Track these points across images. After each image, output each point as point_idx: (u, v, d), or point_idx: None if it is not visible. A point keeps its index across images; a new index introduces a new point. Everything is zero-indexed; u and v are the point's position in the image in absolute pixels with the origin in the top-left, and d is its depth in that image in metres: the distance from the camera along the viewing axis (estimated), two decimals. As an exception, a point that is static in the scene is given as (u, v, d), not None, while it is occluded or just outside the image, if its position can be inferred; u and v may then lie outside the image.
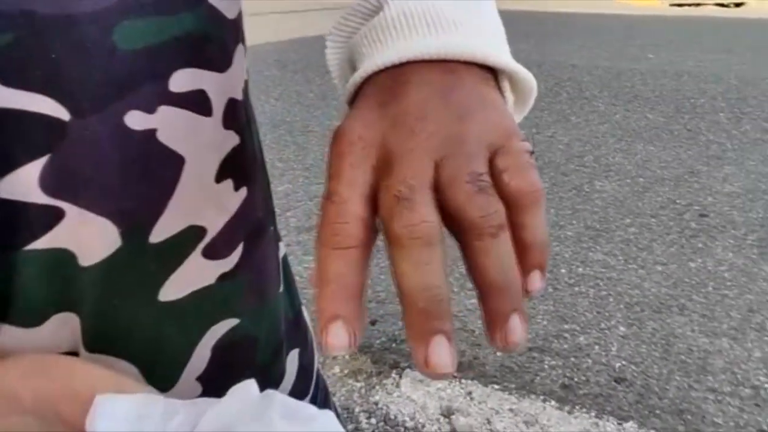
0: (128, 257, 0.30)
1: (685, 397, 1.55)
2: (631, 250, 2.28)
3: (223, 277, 0.34)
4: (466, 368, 1.64)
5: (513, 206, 0.23)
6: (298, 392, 0.42)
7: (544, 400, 1.54)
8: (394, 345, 1.74)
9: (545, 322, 1.85)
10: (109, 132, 0.28)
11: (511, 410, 1.51)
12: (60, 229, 0.28)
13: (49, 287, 0.29)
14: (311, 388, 0.45)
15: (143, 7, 0.28)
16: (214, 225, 0.33)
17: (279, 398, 0.25)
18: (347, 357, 1.68)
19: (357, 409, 1.53)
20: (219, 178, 0.33)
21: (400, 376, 1.62)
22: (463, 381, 1.60)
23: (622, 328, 1.83)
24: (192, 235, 0.32)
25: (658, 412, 1.51)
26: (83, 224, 0.28)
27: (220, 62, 0.32)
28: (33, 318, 0.29)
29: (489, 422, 1.48)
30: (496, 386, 1.59)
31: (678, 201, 2.70)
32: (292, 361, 0.42)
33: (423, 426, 1.47)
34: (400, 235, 0.22)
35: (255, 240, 0.37)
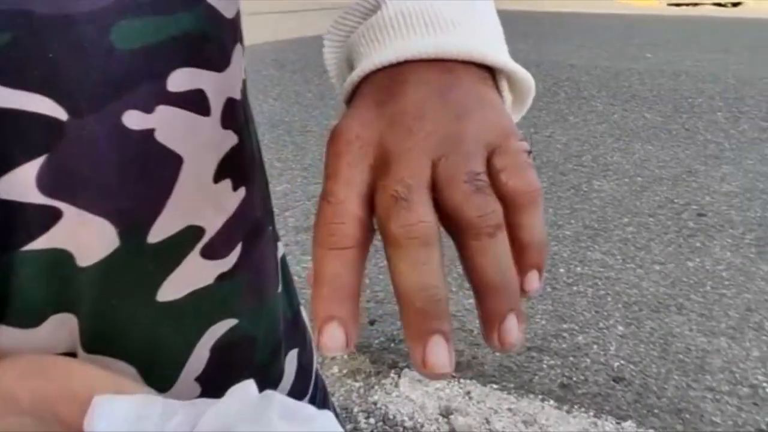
0: (126, 257, 0.30)
1: (684, 397, 1.55)
2: (630, 250, 2.28)
3: (222, 277, 0.34)
4: (465, 368, 1.64)
5: (510, 206, 0.23)
6: (296, 392, 0.42)
7: (542, 400, 1.54)
8: (392, 345, 1.74)
9: (544, 322, 1.85)
10: (107, 132, 0.28)
11: (509, 410, 1.51)
12: (58, 230, 0.28)
13: (47, 288, 0.29)
14: (310, 388, 0.45)
15: (140, 6, 0.28)
16: (212, 225, 0.33)
17: (278, 398, 0.25)
18: (346, 357, 1.68)
19: (356, 409, 1.53)
20: (217, 178, 0.33)
21: (399, 376, 1.62)
22: (461, 381, 1.60)
23: (620, 328, 1.83)
24: (190, 235, 0.32)
25: (656, 411, 1.51)
26: (81, 224, 0.28)
27: (218, 62, 0.32)
28: (31, 319, 0.29)
29: (488, 422, 1.48)
30: (495, 386, 1.59)
31: (676, 200, 2.70)
32: (291, 361, 0.42)
33: (422, 426, 1.47)
34: (398, 234, 0.22)
35: (253, 240, 0.37)
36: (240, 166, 0.35)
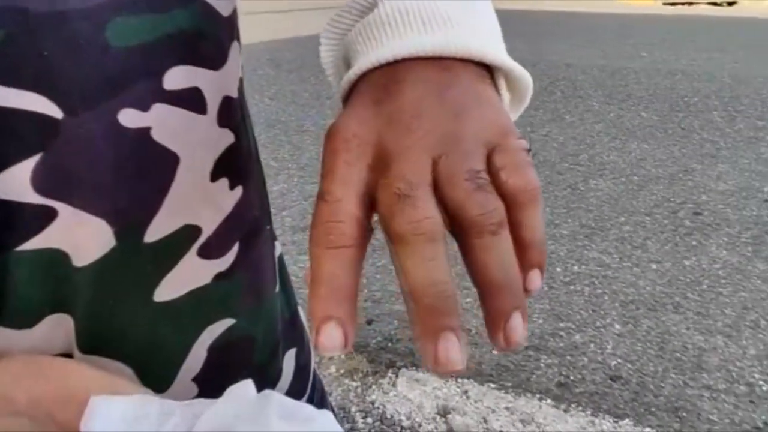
0: (123, 257, 0.30)
1: (681, 395, 1.55)
2: (626, 249, 2.28)
3: (219, 277, 0.34)
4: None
5: (511, 204, 0.23)
6: (294, 392, 0.42)
7: (540, 399, 1.55)
8: (390, 344, 1.74)
9: (541, 321, 1.85)
10: (103, 130, 0.27)
11: (507, 409, 1.51)
12: (53, 229, 0.27)
13: (43, 288, 0.28)
14: (308, 388, 0.44)
15: (136, 3, 0.28)
16: (209, 224, 0.33)
17: (276, 398, 0.24)
18: (343, 356, 1.68)
19: (353, 409, 1.53)
20: (214, 176, 0.33)
21: (397, 376, 1.62)
22: (459, 380, 1.60)
23: (617, 326, 1.83)
24: (187, 234, 0.32)
25: (653, 409, 1.51)
26: (77, 224, 0.28)
27: (214, 60, 0.32)
28: (26, 319, 0.29)
29: (485, 421, 1.48)
30: (492, 385, 1.59)
31: (672, 199, 2.71)
32: (289, 360, 0.42)
33: (419, 425, 1.47)
34: (404, 232, 0.21)
35: (251, 239, 0.37)
36: (237, 164, 0.35)
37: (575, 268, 2.15)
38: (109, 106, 0.27)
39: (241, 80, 0.36)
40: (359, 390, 1.59)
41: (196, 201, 0.32)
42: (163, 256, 0.31)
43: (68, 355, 0.30)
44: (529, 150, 0.24)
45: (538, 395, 1.56)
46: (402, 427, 1.47)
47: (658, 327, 1.82)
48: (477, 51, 0.26)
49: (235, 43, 0.34)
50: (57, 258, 0.28)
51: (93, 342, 0.31)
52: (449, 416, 1.49)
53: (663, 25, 8.33)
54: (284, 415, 0.24)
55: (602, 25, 8.31)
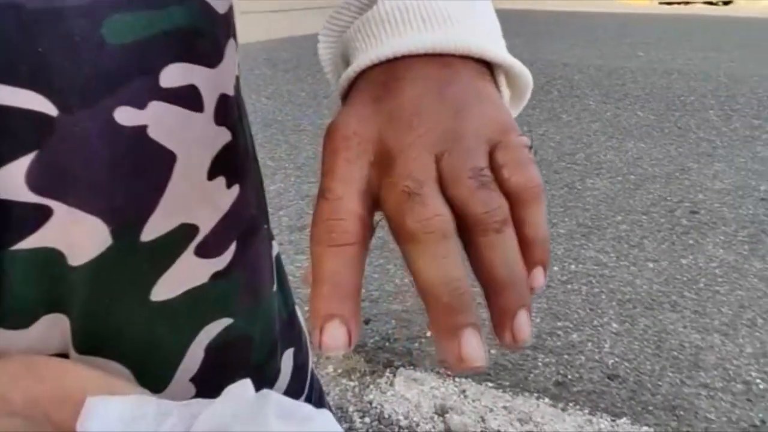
0: (119, 256, 0.29)
1: (678, 393, 1.56)
2: (623, 247, 2.29)
3: (217, 276, 0.34)
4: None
5: (513, 202, 0.23)
6: (292, 392, 0.42)
7: (537, 398, 1.55)
8: (387, 344, 1.74)
9: (538, 320, 1.85)
10: (99, 128, 0.27)
11: (505, 408, 1.51)
12: (48, 228, 0.27)
13: (38, 288, 0.28)
14: (306, 388, 0.44)
15: (132, 0, 0.27)
16: (206, 223, 0.33)
17: (275, 398, 0.24)
18: (340, 356, 1.68)
19: (351, 409, 1.53)
20: (211, 175, 0.32)
21: (394, 375, 1.62)
22: (456, 379, 1.60)
23: (614, 325, 1.83)
24: (184, 233, 0.32)
25: (651, 408, 1.51)
26: (72, 223, 0.28)
27: (211, 57, 0.31)
28: (21, 319, 0.28)
29: (483, 420, 1.48)
30: (490, 384, 1.59)
31: (669, 198, 2.71)
32: (287, 360, 0.42)
33: (417, 425, 1.47)
34: (415, 230, 0.21)
35: (248, 238, 0.36)
36: (234, 163, 0.34)
37: (572, 267, 2.15)
38: (105, 103, 0.27)
39: (237, 78, 0.36)
40: (357, 390, 1.59)
41: (193, 199, 0.32)
42: (159, 255, 0.31)
43: (64, 356, 0.30)
44: (530, 147, 0.24)
45: (535, 394, 1.56)
46: (400, 427, 1.47)
47: (656, 326, 1.83)
48: (477, 48, 0.26)
49: (231, 41, 0.34)
50: (52, 257, 0.28)
51: (89, 342, 0.30)
52: (447, 415, 1.49)
53: (659, 25, 8.35)
54: (282, 415, 0.24)
55: (599, 24, 8.32)
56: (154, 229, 0.30)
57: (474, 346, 0.20)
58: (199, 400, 0.26)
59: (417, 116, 0.24)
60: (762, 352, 1.70)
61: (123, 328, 0.31)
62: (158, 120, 0.29)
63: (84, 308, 0.30)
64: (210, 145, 0.32)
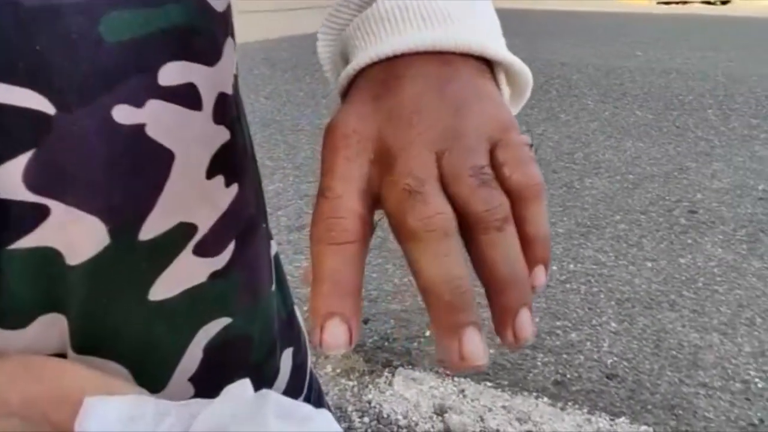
0: (117, 255, 0.29)
1: (677, 393, 1.56)
2: (622, 247, 2.29)
3: (215, 275, 0.34)
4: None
5: (514, 200, 0.23)
6: (291, 392, 0.42)
7: (536, 397, 1.55)
8: (386, 344, 1.74)
9: (537, 319, 1.85)
10: (97, 126, 0.27)
11: (503, 407, 1.51)
12: (46, 227, 0.27)
13: (35, 287, 0.28)
14: (305, 388, 0.44)
15: None
16: (205, 222, 0.33)
17: (274, 397, 0.24)
18: (339, 356, 1.68)
19: (350, 408, 1.53)
20: (210, 174, 0.32)
21: (393, 375, 1.62)
22: (455, 379, 1.60)
23: (613, 325, 1.83)
24: (182, 232, 0.32)
25: (649, 407, 1.52)
26: (70, 222, 0.27)
27: (209, 55, 0.31)
28: (18, 319, 0.28)
29: (482, 420, 1.48)
30: (489, 383, 1.59)
31: (667, 197, 2.72)
32: (286, 360, 0.42)
33: (416, 424, 1.47)
34: (416, 228, 0.21)
35: (247, 237, 0.36)
36: (232, 162, 0.34)
37: (571, 266, 2.15)
38: (102, 101, 0.27)
39: (235, 77, 0.35)
40: (356, 389, 1.59)
41: (192, 198, 0.31)
42: (158, 254, 0.31)
43: (62, 356, 0.30)
44: (531, 145, 0.24)
45: (534, 394, 1.56)
46: (399, 427, 1.47)
47: (654, 325, 1.83)
48: (477, 45, 0.26)
49: (229, 39, 0.34)
50: (50, 256, 0.28)
51: (87, 342, 0.30)
52: (446, 415, 1.49)
53: (657, 24, 8.36)
54: (282, 415, 0.24)
55: (597, 24, 8.33)
56: (152, 228, 0.30)
57: (475, 345, 0.20)
58: (198, 400, 0.26)
59: (417, 114, 0.24)
60: (760, 351, 1.70)
61: (121, 327, 0.31)
62: (156, 118, 0.29)
63: (82, 308, 0.29)
64: (208, 143, 0.32)
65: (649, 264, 2.17)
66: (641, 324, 1.83)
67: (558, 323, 1.84)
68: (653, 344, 1.74)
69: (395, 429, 1.46)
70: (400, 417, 1.49)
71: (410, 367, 1.64)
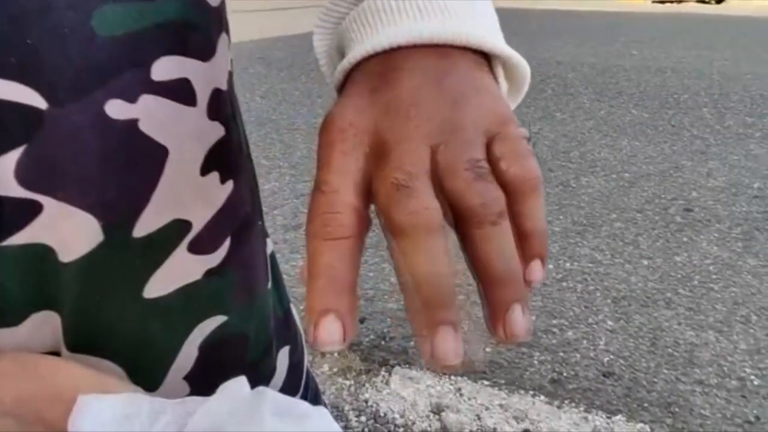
0: (111, 252, 0.29)
1: (673, 390, 1.56)
2: (618, 245, 2.29)
3: (210, 273, 0.33)
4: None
5: (511, 194, 0.22)
6: (288, 391, 0.42)
7: (533, 395, 1.55)
8: (383, 343, 1.74)
9: (534, 318, 1.85)
10: (89, 121, 0.27)
11: (500, 406, 1.51)
12: (38, 224, 0.27)
13: (28, 285, 0.28)
14: (301, 387, 0.44)
15: None
16: (199, 219, 0.32)
17: (271, 395, 0.24)
18: (336, 355, 1.67)
19: (346, 407, 1.53)
20: (204, 170, 0.32)
21: (390, 374, 1.62)
22: (452, 377, 1.60)
23: (609, 323, 1.83)
24: (177, 229, 0.31)
25: (646, 405, 1.52)
26: (62, 218, 0.27)
27: (203, 50, 0.31)
28: (10, 317, 0.28)
29: (479, 418, 1.48)
30: (486, 382, 1.59)
31: (663, 196, 2.72)
32: (282, 358, 0.41)
33: (413, 423, 1.47)
34: (402, 223, 0.21)
35: (242, 235, 0.36)
36: (227, 158, 0.34)
37: (567, 264, 2.15)
38: (95, 96, 0.27)
39: (230, 74, 0.35)
40: (352, 388, 1.58)
41: (186, 195, 0.31)
42: (152, 251, 0.30)
43: (56, 354, 0.30)
44: (529, 139, 0.24)
45: (531, 392, 1.56)
46: (396, 425, 1.46)
47: (650, 323, 1.83)
48: (475, 38, 0.26)
49: (223, 35, 0.33)
50: (42, 253, 0.27)
51: (81, 340, 0.30)
52: (443, 414, 1.49)
53: (652, 23, 8.38)
54: (279, 412, 0.24)
55: (592, 23, 8.35)
56: (146, 224, 0.30)
57: (448, 344, 0.20)
58: (194, 398, 0.26)
59: (415, 107, 0.23)
60: (756, 349, 1.71)
61: (115, 325, 0.31)
62: (150, 114, 0.28)
63: (75, 305, 0.29)
64: (203, 139, 0.32)
65: (645, 262, 2.17)
66: (637, 322, 1.84)
67: (554, 321, 1.84)
68: (649, 342, 1.74)
69: (392, 428, 1.46)
70: (397, 416, 1.49)
71: (407, 365, 1.64)
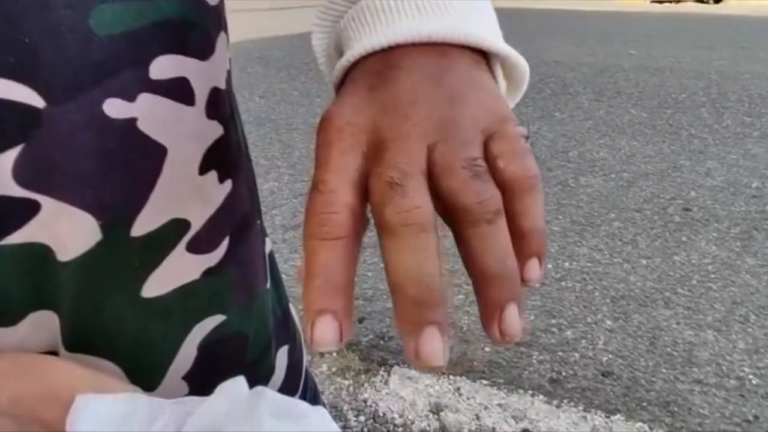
0: (109, 252, 0.29)
1: (672, 390, 1.56)
2: (617, 245, 2.29)
3: (209, 272, 0.33)
4: (455, 364, 1.64)
5: (509, 192, 0.22)
6: (287, 390, 0.41)
7: (532, 395, 1.55)
8: (382, 342, 1.74)
9: (532, 317, 1.85)
10: (87, 120, 0.26)
11: (499, 405, 1.51)
12: (35, 223, 0.27)
13: (25, 284, 0.28)
14: (300, 387, 0.44)
15: None
16: (198, 218, 0.32)
17: (269, 395, 0.24)
18: (335, 355, 1.67)
19: (345, 407, 1.53)
20: (203, 169, 0.32)
21: (389, 374, 1.62)
22: (451, 377, 1.60)
23: (608, 322, 1.83)
24: (175, 228, 0.31)
25: (645, 404, 1.52)
26: (60, 217, 0.27)
27: (202, 49, 0.31)
28: (8, 316, 0.28)
29: (478, 418, 1.48)
30: (485, 382, 1.59)
31: (662, 195, 2.72)
32: (281, 358, 0.41)
33: (412, 423, 1.47)
34: (392, 221, 0.21)
35: (241, 234, 0.36)
36: (226, 157, 0.34)
37: (566, 264, 2.15)
38: (93, 95, 0.27)
39: (229, 73, 0.35)
40: (351, 388, 1.58)
41: (185, 194, 0.31)
42: (150, 250, 0.30)
43: (54, 353, 0.30)
44: (527, 137, 0.24)
45: (530, 391, 1.56)
46: (395, 425, 1.46)
47: (649, 322, 1.83)
48: (473, 37, 0.26)
49: (222, 34, 0.33)
50: (40, 253, 0.27)
51: (79, 339, 0.30)
52: (442, 413, 1.49)
53: (651, 23, 8.39)
54: (277, 413, 0.23)
55: (591, 22, 8.35)
56: (144, 224, 0.30)
57: (433, 345, 0.20)
58: (192, 397, 0.25)
59: (413, 106, 0.23)
60: (755, 348, 1.71)
61: (113, 325, 0.31)
62: (148, 112, 0.28)
63: (73, 305, 0.29)
64: (201, 139, 0.32)
65: (644, 262, 2.17)
66: (636, 321, 1.84)
67: (553, 321, 1.84)
68: (648, 341, 1.75)
69: (391, 428, 1.46)
70: (396, 415, 1.49)
71: (406, 365, 1.64)
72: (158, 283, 0.31)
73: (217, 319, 0.35)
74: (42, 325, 0.29)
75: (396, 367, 1.63)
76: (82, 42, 0.26)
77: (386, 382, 1.59)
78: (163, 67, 0.29)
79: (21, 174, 0.26)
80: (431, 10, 0.26)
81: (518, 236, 0.22)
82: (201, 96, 0.31)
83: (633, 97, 4.31)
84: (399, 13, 0.26)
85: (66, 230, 0.27)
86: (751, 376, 1.60)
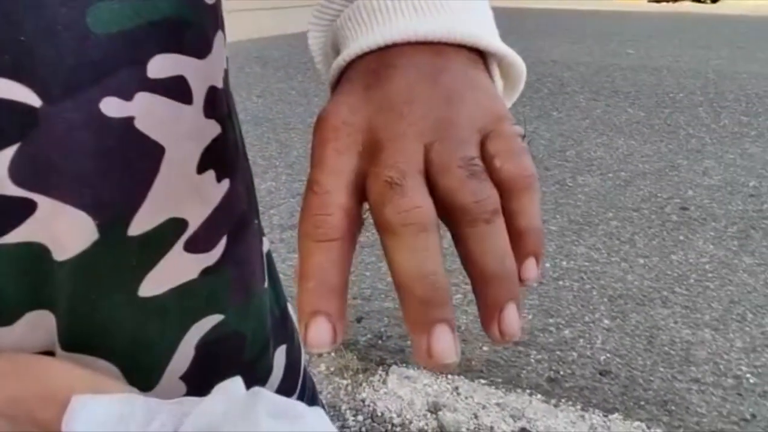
0: (106, 251, 0.29)
1: (670, 388, 1.56)
2: (614, 244, 2.29)
3: (206, 272, 0.33)
4: (453, 364, 1.64)
5: (506, 192, 0.22)
6: (285, 390, 0.41)
7: (530, 394, 1.55)
8: (380, 342, 1.74)
9: (530, 316, 1.85)
10: (84, 119, 0.26)
11: (497, 404, 1.51)
12: (32, 222, 0.27)
13: (22, 283, 0.28)
14: (298, 386, 0.44)
15: None
16: (195, 217, 0.32)
17: (266, 396, 0.24)
18: (333, 354, 1.67)
19: (343, 407, 1.53)
20: (200, 168, 0.32)
21: (387, 373, 1.61)
22: (449, 376, 1.60)
23: (606, 321, 1.84)
24: (173, 227, 0.31)
25: (642, 403, 1.52)
26: (57, 217, 0.27)
27: (199, 48, 0.31)
28: (4, 316, 0.28)
29: (476, 417, 1.48)
30: (483, 381, 1.59)
31: (659, 194, 2.73)
32: (279, 358, 0.41)
33: (410, 422, 1.47)
34: (393, 222, 0.21)
35: (239, 233, 0.36)
36: (223, 157, 0.34)
37: (564, 263, 2.16)
38: (90, 94, 0.26)
39: (226, 71, 0.35)
40: (349, 388, 1.58)
41: (182, 193, 0.31)
42: (148, 250, 0.30)
43: (50, 353, 0.29)
44: (524, 136, 0.24)
45: (528, 391, 1.56)
46: (393, 425, 1.46)
47: (647, 321, 1.83)
48: (470, 36, 0.26)
49: (219, 33, 0.33)
50: (37, 252, 0.27)
51: (76, 339, 0.30)
52: (440, 413, 1.49)
53: (648, 22, 8.40)
54: (274, 413, 0.23)
55: (588, 22, 8.36)
56: (142, 223, 0.29)
57: (445, 343, 0.20)
58: (190, 398, 0.25)
59: (409, 105, 0.23)
60: (752, 347, 1.71)
61: (110, 324, 0.31)
62: (146, 111, 0.28)
63: (70, 304, 0.29)
64: (199, 138, 0.31)
65: (642, 261, 2.17)
66: (634, 320, 1.84)
67: (551, 320, 1.84)
68: (646, 340, 1.75)
69: (389, 427, 1.46)
70: (394, 415, 1.49)
71: (404, 365, 1.64)
72: (155, 283, 0.31)
73: (214, 319, 0.34)
74: (38, 324, 0.29)
75: (394, 367, 1.63)
76: (78, 40, 0.26)
77: (384, 382, 1.59)
78: (161, 65, 0.28)
79: (17, 173, 0.26)
80: (428, 9, 0.26)
81: (515, 236, 0.22)
82: (198, 95, 0.31)
83: (630, 97, 4.31)
84: (395, 13, 0.26)
85: (63, 229, 0.27)
86: (748, 375, 1.61)
